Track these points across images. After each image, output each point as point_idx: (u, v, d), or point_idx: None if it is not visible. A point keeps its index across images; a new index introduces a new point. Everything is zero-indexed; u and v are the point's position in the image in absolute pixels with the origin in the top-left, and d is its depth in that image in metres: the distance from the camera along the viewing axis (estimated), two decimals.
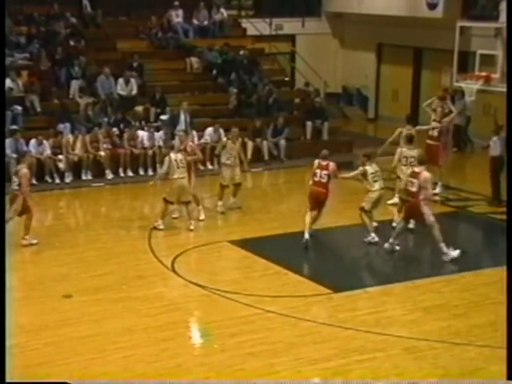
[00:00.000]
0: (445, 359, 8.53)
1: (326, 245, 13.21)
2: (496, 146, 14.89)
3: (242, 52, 21.55)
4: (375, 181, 12.66)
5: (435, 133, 15.94)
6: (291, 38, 24.93)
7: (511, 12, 15.77)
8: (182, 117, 17.64)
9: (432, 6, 20.61)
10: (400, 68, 23.86)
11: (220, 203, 14.51)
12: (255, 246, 12.73)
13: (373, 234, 12.61)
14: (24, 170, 12.60)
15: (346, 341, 9.03)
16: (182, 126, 17.58)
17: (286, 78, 23.17)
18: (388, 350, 8.79)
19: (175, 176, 13.22)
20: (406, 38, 22.36)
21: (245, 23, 23.71)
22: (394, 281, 11.07)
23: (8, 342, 8.70)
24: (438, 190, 15.24)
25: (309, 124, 19.78)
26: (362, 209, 12.73)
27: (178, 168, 13.22)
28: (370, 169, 12.68)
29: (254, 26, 23.46)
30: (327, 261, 12.24)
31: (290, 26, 24.44)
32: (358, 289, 10.71)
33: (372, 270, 11.90)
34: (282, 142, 19.03)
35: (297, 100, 21.50)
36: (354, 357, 8.57)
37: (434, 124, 16.10)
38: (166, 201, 13.46)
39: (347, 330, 9.30)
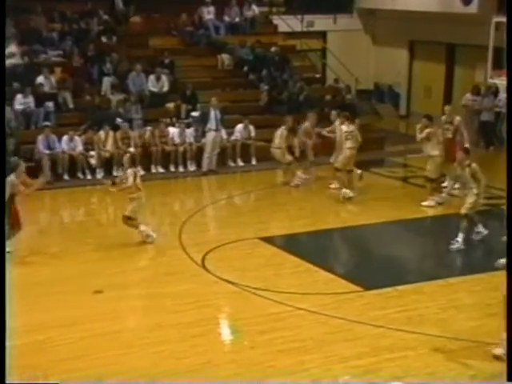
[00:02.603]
0: (476, 359, 8.42)
1: (357, 242, 13.11)
2: None
3: (273, 49, 21.51)
4: (348, 139, 14.67)
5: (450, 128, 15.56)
6: (323, 35, 24.85)
7: (511, 12, 15.56)
8: (212, 113, 17.64)
9: (466, 2, 20.40)
10: (432, 64, 23.65)
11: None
12: (286, 242, 12.71)
13: (347, 191, 14.53)
14: (11, 177, 11.69)
15: (377, 339, 8.95)
16: (212, 123, 17.58)
17: (317, 75, 23.09)
18: (419, 349, 8.70)
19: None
20: (439, 34, 22.15)
21: (276, 20, 23.66)
22: (425, 279, 10.95)
23: (37, 337, 8.82)
24: (446, 184, 14.89)
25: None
26: (336, 169, 14.91)
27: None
28: (345, 127, 14.72)
29: (286, 23, 23.40)
30: (358, 258, 12.16)
31: (321, 22, 24.34)
32: (389, 287, 10.61)
33: (403, 268, 11.77)
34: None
35: (328, 97, 21.43)
36: (384, 355, 8.49)
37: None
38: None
39: (378, 327, 9.23)
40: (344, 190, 14.79)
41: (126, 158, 12.80)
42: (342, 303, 10.11)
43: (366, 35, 25.31)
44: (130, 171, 12.40)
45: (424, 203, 14.18)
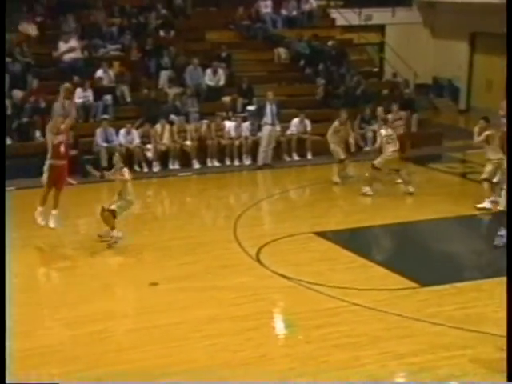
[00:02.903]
0: None
1: (413, 238, 12.94)
2: None
3: (330, 42, 21.35)
4: (388, 143, 14.63)
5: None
6: (381, 28, 24.57)
7: (511, 12, 15.10)
8: (269, 108, 17.60)
9: None
10: (494, 57, 23.14)
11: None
12: (341, 237, 12.60)
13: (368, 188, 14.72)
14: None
15: (434, 336, 8.80)
16: (268, 117, 17.55)
17: (375, 69, 22.86)
18: (478, 348, 8.51)
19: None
20: (501, 26, 21.64)
21: (334, 13, 23.48)
22: (484, 276, 10.73)
23: (93, 328, 8.92)
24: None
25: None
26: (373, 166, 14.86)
27: None
28: (384, 131, 14.69)
29: (343, 16, 23.22)
30: (414, 254, 11.98)
31: (379, 15, 24.08)
32: (446, 284, 10.42)
33: (460, 265, 11.56)
34: (370, 134, 18.76)
35: (385, 91, 21.17)
36: (441, 353, 8.34)
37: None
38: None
39: (435, 325, 9.07)
40: (368, 187, 14.82)
41: (117, 157, 12.38)
42: (398, 299, 9.98)
43: (426, 28, 24.94)
44: (126, 169, 12.04)
45: (479, 205, 13.75)
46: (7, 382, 6.07)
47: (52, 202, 11.78)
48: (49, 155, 11.72)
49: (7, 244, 10.27)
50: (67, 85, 12.38)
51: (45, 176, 11.66)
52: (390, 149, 14.69)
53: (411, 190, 14.80)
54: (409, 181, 14.96)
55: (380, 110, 17.45)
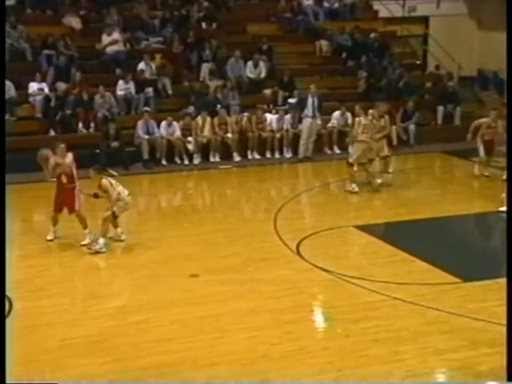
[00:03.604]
0: None
1: (456, 232, 12.78)
2: None
3: (372, 35, 21.21)
4: (363, 132, 14.18)
5: None
6: (424, 20, 24.29)
7: (511, 12, 14.69)
8: (310, 100, 17.54)
9: None
10: None
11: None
12: (381, 231, 12.52)
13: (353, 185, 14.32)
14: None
15: (476, 332, 8.69)
16: (309, 109, 17.49)
17: (418, 62, 22.63)
18: None
19: None
20: None
21: (377, 5, 23.31)
22: None
23: (135, 318, 9.00)
24: None
25: (440, 109, 19.24)
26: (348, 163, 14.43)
27: None
28: (363, 120, 14.26)
29: (386, 8, 23.02)
30: (456, 249, 11.83)
31: (423, 7, 23.80)
32: (489, 279, 10.27)
33: (504, 260, 11.38)
34: (412, 127, 18.60)
35: (428, 84, 20.96)
36: (483, 349, 8.23)
37: None
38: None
39: (477, 321, 8.95)
40: (352, 184, 14.51)
41: (91, 172, 11.67)
42: (439, 294, 9.87)
43: (471, 20, 24.56)
44: (104, 181, 11.42)
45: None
46: (7, 382, 6.10)
47: (81, 224, 11.65)
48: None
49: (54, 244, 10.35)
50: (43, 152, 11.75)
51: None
52: (361, 138, 14.49)
53: (378, 181, 14.71)
54: (375, 173, 14.84)
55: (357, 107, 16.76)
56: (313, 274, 10.57)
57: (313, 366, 7.91)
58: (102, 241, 11.29)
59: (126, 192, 11.57)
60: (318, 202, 14.70)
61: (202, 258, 11.19)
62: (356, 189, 14.41)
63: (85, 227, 11.59)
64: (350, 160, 14.49)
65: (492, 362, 7.96)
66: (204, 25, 20.67)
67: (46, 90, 17.37)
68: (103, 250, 11.26)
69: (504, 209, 13.14)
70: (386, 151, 14.95)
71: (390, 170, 15.43)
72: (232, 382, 7.58)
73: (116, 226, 11.75)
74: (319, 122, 17.78)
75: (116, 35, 18.99)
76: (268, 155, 17.65)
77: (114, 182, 11.64)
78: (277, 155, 17.66)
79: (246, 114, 17.93)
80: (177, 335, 8.61)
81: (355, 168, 14.47)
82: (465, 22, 24.45)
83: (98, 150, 16.53)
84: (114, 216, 11.52)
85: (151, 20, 20.28)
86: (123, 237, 11.74)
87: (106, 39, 18.85)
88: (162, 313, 9.30)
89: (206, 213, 14.23)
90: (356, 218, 13.09)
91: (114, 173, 14.20)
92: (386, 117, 15.01)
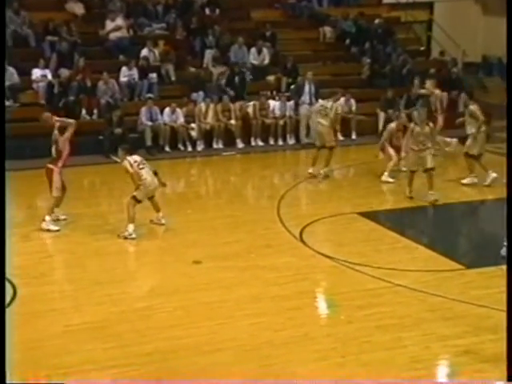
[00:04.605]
0: None
1: (459, 219, 12.78)
2: None
3: (376, 21, 21.14)
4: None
5: None
6: (429, 6, 24.15)
7: (511, 12, 14.60)
8: (307, 87, 17.51)
9: None
10: None
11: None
12: (385, 218, 12.52)
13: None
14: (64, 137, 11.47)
15: (479, 318, 8.70)
16: (306, 96, 17.47)
17: (422, 48, 22.54)
18: None
19: None
20: None
21: None
22: None
23: (139, 305, 9.02)
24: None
25: (444, 95, 19.14)
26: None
27: None
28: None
29: None
30: (460, 236, 11.85)
31: None
32: (493, 266, 10.27)
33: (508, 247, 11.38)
34: (415, 114, 18.50)
35: (432, 70, 20.85)
36: (487, 335, 8.24)
37: None
38: None
39: (480, 307, 8.96)
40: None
41: (120, 152, 11.71)
42: (443, 281, 9.88)
43: (476, 5, 24.40)
44: (125, 162, 11.38)
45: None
46: (7, 382, 6.12)
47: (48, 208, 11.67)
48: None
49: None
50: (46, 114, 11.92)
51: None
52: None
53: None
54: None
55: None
56: (316, 261, 10.58)
57: (316, 353, 7.94)
58: (130, 227, 11.19)
59: (150, 175, 11.39)
60: (322, 189, 14.69)
61: (205, 244, 11.20)
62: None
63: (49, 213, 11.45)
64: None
65: (495, 347, 7.96)
66: (207, 11, 20.60)
67: (49, 77, 17.35)
68: (133, 236, 11.20)
69: (466, 181, 13.69)
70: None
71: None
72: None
73: (158, 210, 11.72)
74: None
75: (120, 21, 18.94)
76: (271, 142, 17.63)
77: (139, 163, 11.40)
78: (280, 142, 17.64)
79: (252, 102, 17.81)
80: (180, 321, 8.63)
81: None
82: (470, 8, 24.29)
83: (101, 137, 16.52)
84: (137, 200, 11.42)
85: (154, 6, 20.22)
86: (163, 220, 11.70)
87: (109, 25, 18.81)
88: (165, 299, 9.32)
89: (210, 199, 14.24)
90: (359, 205, 13.08)
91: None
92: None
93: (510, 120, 12.65)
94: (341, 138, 17.83)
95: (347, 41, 20.65)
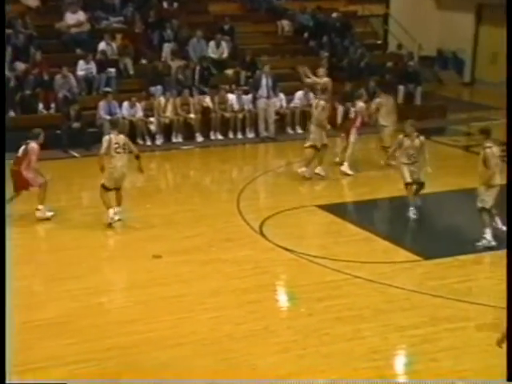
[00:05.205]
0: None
1: (417, 212, 12.92)
2: None
3: (334, 14, 21.25)
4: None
5: None
6: (385, 0, 24.37)
7: (511, 12, 14.92)
8: (264, 81, 17.54)
9: None
10: (500, 29, 22.90)
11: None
12: (344, 211, 12.64)
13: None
14: (33, 144, 11.62)
15: (436, 309, 8.86)
16: (263, 90, 17.51)
17: (379, 41, 22.74)
18: (479, 320, 8.57)
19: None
20: None
21: None
22: (487, 249, 10.75)
23: (98, 300, 8.98)
24: None
25: (401, 88, 19.36)
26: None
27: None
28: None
29: None
30: (417, 228, 12.00)
31: None
32: (449, 256, 10.46)
33: (464, 238, 11.57)
34: (373, 107, 18.67)
35: (389, 64, 21.05)
36: (443, 325, 8.40)
37: None
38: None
39: (437, 297, 9.12)
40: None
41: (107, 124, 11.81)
42: (401, 272, 10.03)
43: None
44: (105, 137, 11.48)
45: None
46: (7, 382, 6.09)
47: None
48: None
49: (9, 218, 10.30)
50: None
51: None
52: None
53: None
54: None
55: None
56: (276, 254, 10.64)
57: (276, 345, 8.01)
58: (110, 212, 11.34)
59: (121, 162, 11.38)
60: (281, 182, 14.74)
61: (165, 238, 11.19)
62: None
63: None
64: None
65: (452, 337, 8.15)
66: (165, 4, 20.51)
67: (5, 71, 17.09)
68: (115, 219, 11.38)
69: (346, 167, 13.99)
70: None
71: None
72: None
73: (118, 204, 11.61)
74: (277, 102, 17.76)
75: (82, 16, 18.70)
76: (231, 135, 17.63)
77: (118, 145, 11.35)
78: (239, 136, 17.65)
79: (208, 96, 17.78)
80: (141, 316, 8.63)
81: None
82: (424, 2, 24.58)
83: (59, 131, 16.35)
84: (105, 188, 11.42)
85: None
86: (116, 217, 11.54)
87: (70, 18, 18.53)
88: (125, 294, 9.31)
89: (169, 194, 14.21)
90: (318, 198, 13.19)
91: (76, 154, 14.07)
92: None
93: (510, 120, 12.84)
94: (300, 131, 17.94)
95: (305, 34, 20.73)
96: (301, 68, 17.25)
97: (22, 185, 11.65)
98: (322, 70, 17.07)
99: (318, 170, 14.30)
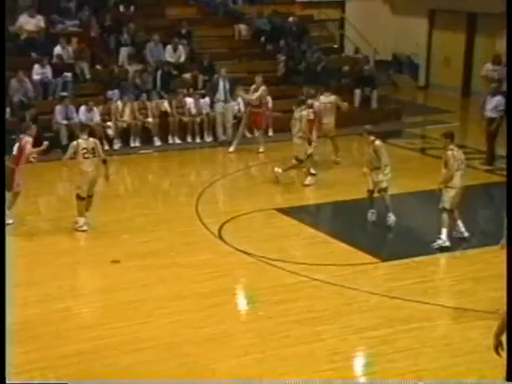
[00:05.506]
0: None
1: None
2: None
3: (290, 19, 21.38)
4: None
5: None
6: (341, 5, 24.63)
7: (511, 12, 15.27)
8: (221, 84, 17.57)
9: None
10: (453, 34, 23.36)
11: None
12: (303, 214, 12.73)
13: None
14: (26, 138, 11.78)
15: (393, 310, 8.99)
16: (220, 93, 17.54)
17: (335, 46, 22.93)
18: (435, 320, 8.73)
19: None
20: (460, 3, 21.85)
21: None
22: (443, 251, 10.93)
23: (57, 306, 8.92)
24: None
25: (357, 92, 19.56)
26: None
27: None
28: None
29: None
30: (375, 230, 12.14)
31: None
32: (406, 258, 10.62)
33: (420, 240, 11.74)
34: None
35: (345, 68, 21.25)
36: (400, 326, 8.53)
37: None
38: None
39: (394, 299, 9.26)
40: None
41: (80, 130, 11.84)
42: (359, 274, 10.14)
43: (385, 4, 25.01)
44: (72, 143, 11.53)
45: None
46: (7, 382, 6.06)
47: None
48: None
49: None
50: None
51: None
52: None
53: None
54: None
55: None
56: (235, 258, 10.68)
57: (236, 349, 8.05)
58: (80, 220, 11.43)
59: (91, 168, 11.43)
60: (240, 186, 14.81)
61: (123, 243, 11.15)
62: None
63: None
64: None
65: (408, 337, 8.28)
66: (122, 8, 20.39)
67: None
68: (84, 228, 11.44)
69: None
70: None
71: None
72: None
73: (86, 209, 11.60)
74: (235, 106, 17.79)
75: (41, 22, 18.48)
76: (189, 139, 17.62)
77: (87, 151, 11.37)
78: (197, 139, 17.65)
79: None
80: (100, 322, 8.60)
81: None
82: (379, 7, 24.85)
83: (14, 136, 16.14)
84: (80, 198, 11.43)
85: (67, 2, 19.89)
86: (84, 227, 11.52)
87: (27, 22, 18.30)
88: (84, 300, 9.26)
89: (128, 198, 14.14)
90: (277, 201, 13.27)
91: (32, 159, 13.90)
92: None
93: (510, 120, 13.04)
94: (257, 134, 17.99)
95: (262, 38, 20.81)
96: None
97: (13, 184, 11.65)
98: (257, 79, 16.93)
99: (308, 180, 14.17)
